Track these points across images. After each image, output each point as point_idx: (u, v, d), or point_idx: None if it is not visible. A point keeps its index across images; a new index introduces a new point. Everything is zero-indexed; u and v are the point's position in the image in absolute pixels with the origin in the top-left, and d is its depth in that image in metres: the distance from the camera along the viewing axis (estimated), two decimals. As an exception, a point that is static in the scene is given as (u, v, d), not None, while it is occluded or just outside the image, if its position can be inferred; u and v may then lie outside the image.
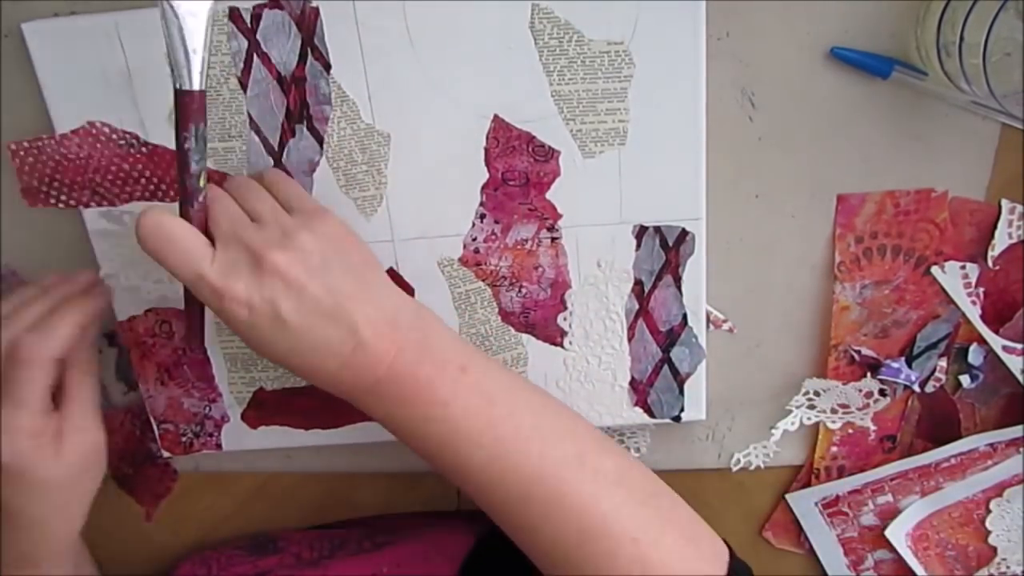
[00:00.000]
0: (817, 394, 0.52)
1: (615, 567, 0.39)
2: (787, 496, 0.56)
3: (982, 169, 0.47)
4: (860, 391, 0.52)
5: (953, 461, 0.53)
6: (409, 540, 0.53)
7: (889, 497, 0.54)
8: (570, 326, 0.50)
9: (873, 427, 0.53)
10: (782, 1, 0.44)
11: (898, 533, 0.53)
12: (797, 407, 0.53)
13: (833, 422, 0.53)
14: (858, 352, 0.51)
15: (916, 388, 0.52)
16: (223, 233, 0.38)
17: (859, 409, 0.52)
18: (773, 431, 0.53)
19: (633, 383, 0.51)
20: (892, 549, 0.53)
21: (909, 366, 0.51)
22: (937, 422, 0.54)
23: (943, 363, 0.52)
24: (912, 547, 0.53)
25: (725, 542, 0.43)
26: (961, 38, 0.39)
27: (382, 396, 0.39)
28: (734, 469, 0.55)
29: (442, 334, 0.41)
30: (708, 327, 0.51)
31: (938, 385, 0.52)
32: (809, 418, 0.53)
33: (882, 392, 0.52)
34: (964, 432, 0.54)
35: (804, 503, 0.55)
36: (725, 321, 0.51)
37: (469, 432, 0.39)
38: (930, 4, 0.41)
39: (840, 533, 0.55)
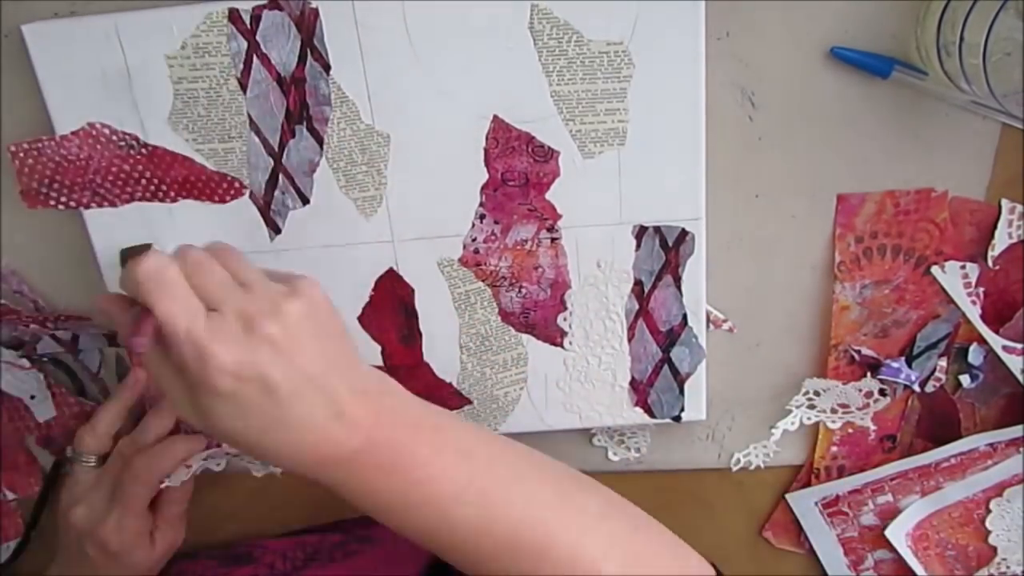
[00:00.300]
0: (817, 394, 0.52)
1: None
2: (787, 496, 0.56)
3: (982, 169, 0.47)
4: (860, 391, 0.52)
5: (953, 461, 0.53)
6: (374, 546, 0.53)
7: (889, 497, 0.54)
8: (570, 326, 0.50)
9: (873, 427, 0.53)
10: (782, 1, 0.43)
11: (898, 533, 0.52)
12: (797, 407, 0.53)
13: (833, 422, 0.53)
14: (858, 352, 0.51)
15: (916, 388, 0.52)
16: (214, 298, 0.36)
17: (859, 409, 0.52)
18: (773, 431, 0.53)
19: (633, 383, 0.51)
20: (892, 549, 0.53)
21: (909, 366, 0.51)
22: (937, 422, 0.54)
23: (943, 363, 0.52)
24: (912, 547, 0.53)
25: (713, 565, 0.42)
26: (961, 38, 0.38)
27: (361, 466, 0.38)
28: (734, 469, 0.55)
29: (407, 397, 0.41)
30: (708, 327, 0.51)
31: (938, 385, 0.52)
32: (809, 418, 0.53)
33: (882, 392, 0.52)
34: (964, 432, 0.54)
35: (804, 503, 0.55)
36: (725, 321, 0.51)
37: (453, 489, 0.38)
38: (930, 4, 0.41)
39: (840, 533, 0.55)
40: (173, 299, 0.35)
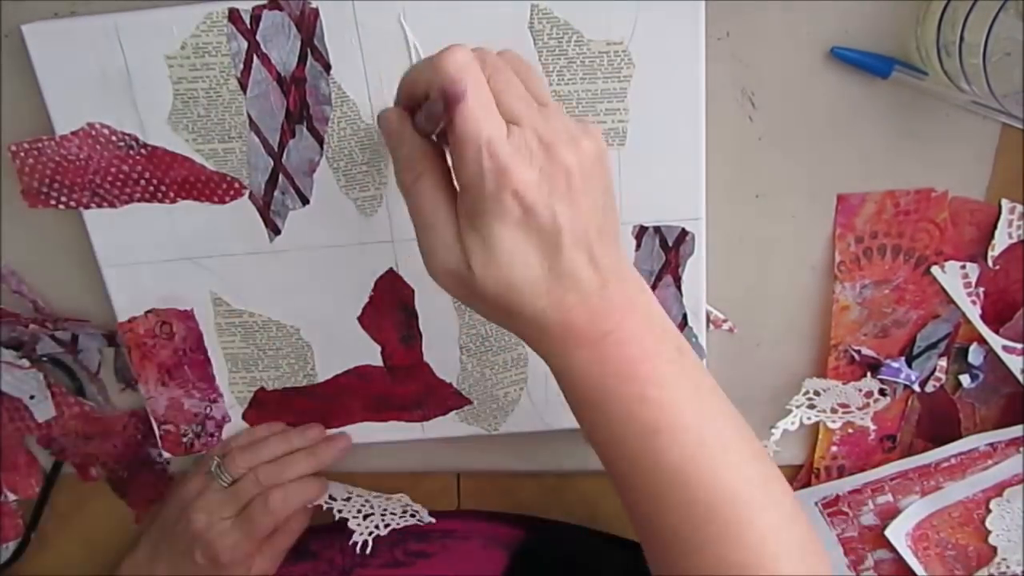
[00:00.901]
0: (817, 394, 0.52)
1: None
2: (787, 496, 0.56)
3: (982, 169, 0.47)
4: (860, 391, 0.52)
5: (953, 461, 0.53)
6: (440, 555, 0.53)
7: (889, 497, 0.54)
8: (570, 326, 0.50)
9: (873, 427, 0.53)
10: (782, 1, 0.43)
11: (898, 533, 0.52)
12: (797, 407, 0.53)
13: (833, 422, 0.53)
14: (858, 352, 0.51)
15: (916, 388, 0.52)
16: (515, 112, 0.32)
17: (859, 409, 0.52)
18: (773, 431, 0.53)
19: (633, 383, 0.51)
20: (892, 549, 0.53)
21: (909, 366, 0.51)
22: (937, 422, 0.54)
23: (943, 363, 0.52)
24: (912, 547, 0.53)
25: None
26: (961, 38, 0.39)
27: (605, 358, 0.33)
28: (734, 469, 0.55)
29: (654, 298, 0.35)
30: (708, 327, 0.51)
31: (938, 385, 0.52)
32: (809, 418, 0.53)
33: (882, 392, 0.52)
34: (964, 432, 0.54)
35: (804, 503, 0.55)
36: (725, 321, 0.51)
37: (674, 424, 0.33)
38: (930, 4, 0.41)
39: (840, 533, 0.55)
40: (480, 105, 0.31)
